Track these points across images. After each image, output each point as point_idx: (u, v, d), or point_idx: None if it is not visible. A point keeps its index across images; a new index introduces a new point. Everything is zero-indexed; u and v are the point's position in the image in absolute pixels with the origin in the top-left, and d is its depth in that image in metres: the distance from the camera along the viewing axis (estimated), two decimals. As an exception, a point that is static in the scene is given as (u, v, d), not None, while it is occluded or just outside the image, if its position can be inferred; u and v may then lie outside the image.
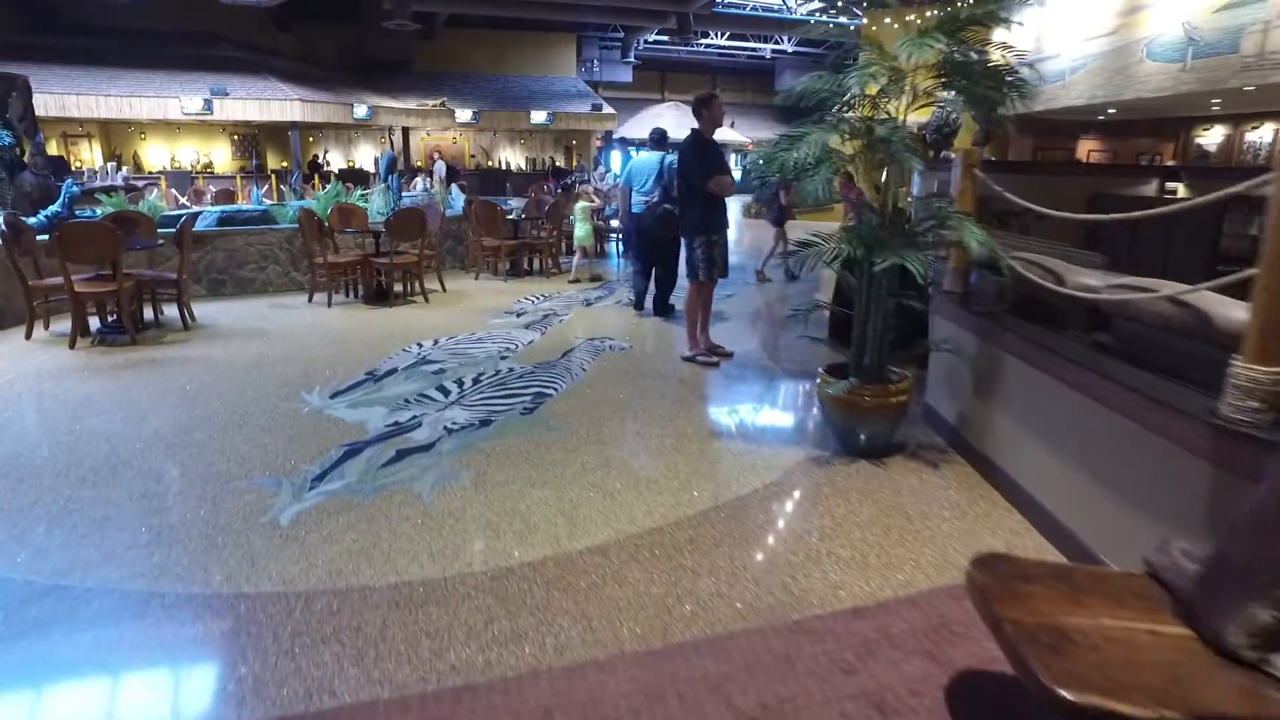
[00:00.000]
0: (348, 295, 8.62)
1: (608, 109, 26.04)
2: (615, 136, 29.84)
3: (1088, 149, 20.99)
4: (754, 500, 3.64)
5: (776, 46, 31.18)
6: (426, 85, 25.44)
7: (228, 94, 18.59)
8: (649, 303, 7.83)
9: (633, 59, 30.14)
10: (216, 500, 3.57)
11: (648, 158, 7.62)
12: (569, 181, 20.71)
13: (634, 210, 7.49)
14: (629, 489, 3.73)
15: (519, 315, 7.74)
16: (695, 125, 5.80)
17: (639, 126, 32.37)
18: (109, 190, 10.47)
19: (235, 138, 23.12)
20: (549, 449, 4.22)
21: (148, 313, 7.16)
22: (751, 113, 35.77)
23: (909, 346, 4.61)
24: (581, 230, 9.79)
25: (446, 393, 5.16)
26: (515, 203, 13.58)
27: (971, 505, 3.61)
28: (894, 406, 4.14)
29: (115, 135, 21.28)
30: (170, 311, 7.22)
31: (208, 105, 18.38)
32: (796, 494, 3.74)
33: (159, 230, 7.56)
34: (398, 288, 8.67)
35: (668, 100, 34.55)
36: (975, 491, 3.77)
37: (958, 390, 4.36)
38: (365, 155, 26.18)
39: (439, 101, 24.48)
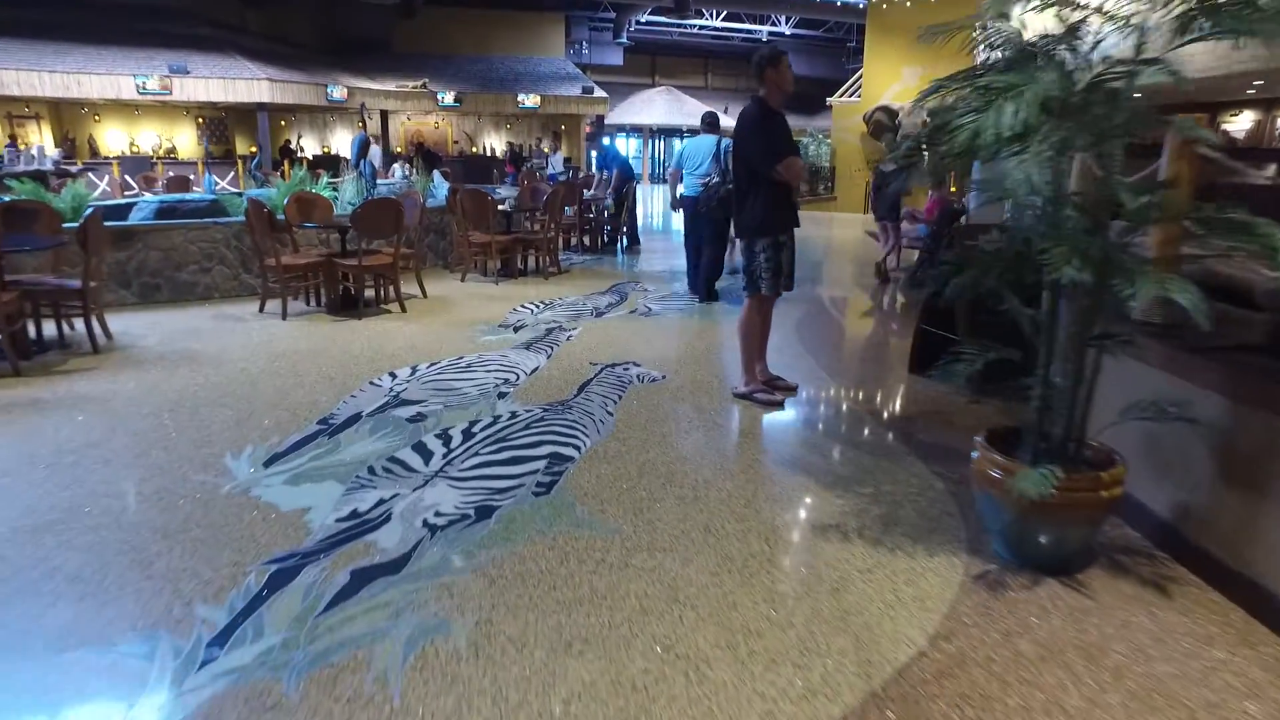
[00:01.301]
0: (308, 303, 7.11)
1: (599, 92, 24.49)
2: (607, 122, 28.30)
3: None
4: (926, 677, 2.23)
5: (773, 29, 29.69)
6: (406, 66, 23.76)
7: (188, 72, 16.87)
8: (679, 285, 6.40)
9: (625, 39, 28.54)
10: (34, 692, 2.11)
11: (701, 140, 7.53)
12: (529, 167, 19.11)
13: (686, 194, 7.47)
14: (723, 654, 2.30)
15: (516, 330, 6.28)
16: (758, 94, 4.36)
17: (629, 112, 30.90)
18: (26, 176, 8.86)
19: (200, 121, 21.36)
20: (583, 564, 2.78)
21: (49, 329, 5.65)
22: (745, 99, 34.17)
23: (997, 378, 3.13)
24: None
25: (427, 456, 3.71)
26: (506, 191, 12.08)
27: (1262, 668, 2.22)
28: (1102, 504, 2.74)
29: (68, 117, 19.49)
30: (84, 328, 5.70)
31: (166, 85, 16.65)
32: (984, 657, 2.33)
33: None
34: (369, 293, 7.18)
35: (659, 85, 33.05)
36: (1248, 637, 2.39)
37: (1176, 470, 2.97)
38: (342, 140, 24.48)
39: (420, 83, 22.82)
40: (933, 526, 3.14)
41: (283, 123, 22.89)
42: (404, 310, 6.88)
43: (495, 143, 27.50)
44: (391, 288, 6.98)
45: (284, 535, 2.94)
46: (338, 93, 19.99)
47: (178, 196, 8.28)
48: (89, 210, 5.23)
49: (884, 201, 9.28)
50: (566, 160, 26.70)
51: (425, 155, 21.53)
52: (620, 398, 4.62)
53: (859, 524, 3.15)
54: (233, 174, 17.96)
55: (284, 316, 6.53)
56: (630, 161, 14.13)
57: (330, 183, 9.05)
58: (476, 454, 3.73)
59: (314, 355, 5.45)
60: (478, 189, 8.61)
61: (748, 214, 4.34)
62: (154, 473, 3.48)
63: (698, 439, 4.02)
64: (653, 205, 22.09)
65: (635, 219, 11.75)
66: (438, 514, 3.13)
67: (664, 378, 5.02)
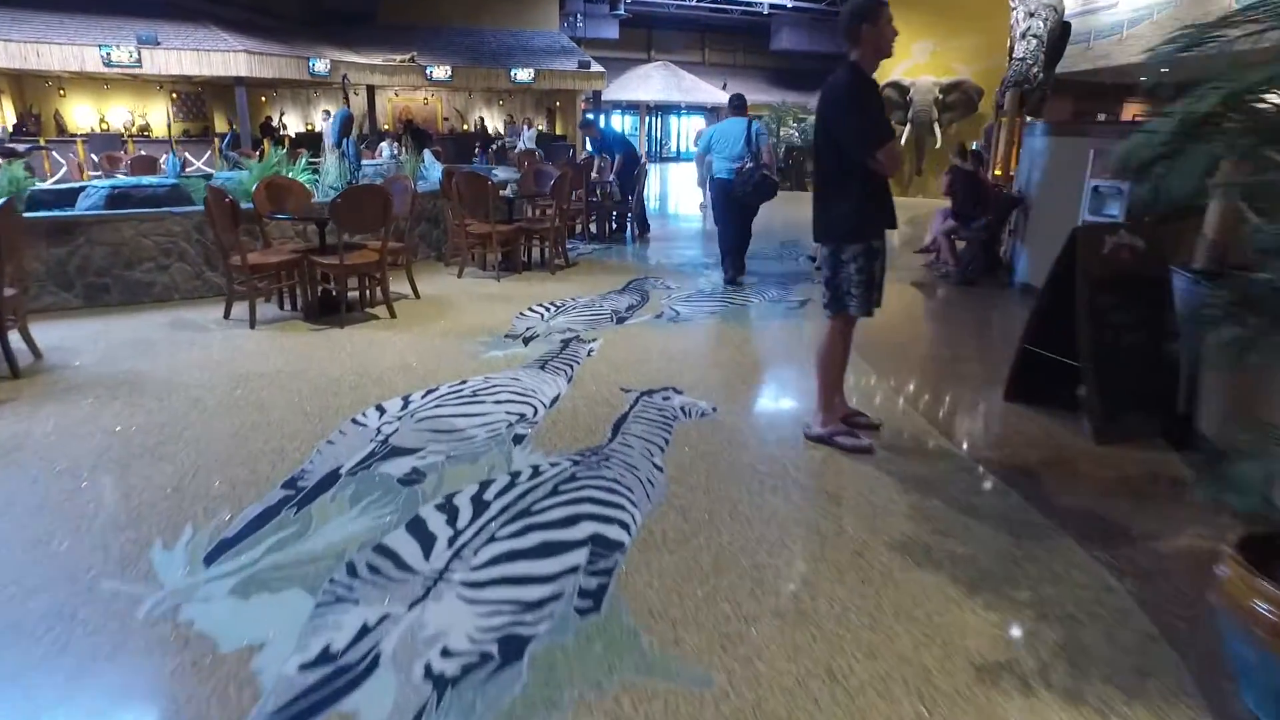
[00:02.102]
0: (282, 306, 6.10)
1: (596, 67, 23.28)
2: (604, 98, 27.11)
3: (1133, 113, 18.77)
4: None
5: (774, 1, 28.45)
6: (394, 38, 22.46)
7: (158, 43, 15.61)
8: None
9: (622, 11, 27.28)
10: None
11: (730, 123, 7.29)
12: (499, 145, 17.93)
13: (718, 176, 7.28)
14: None
15: (526, 341, 5.30)
16: (850, 58, 3.38)
17: (626, 88, 29.71)
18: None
19: (175, 96, 20.07)
20: (665, 755, 1.85)
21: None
22: (742, 74, 33.14)
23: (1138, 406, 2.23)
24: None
25: (427, 543, 2.74)
26: (504, 173, 11.03)
27: None
28: None
29: (30, 90, 18.19)
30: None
31: (135, 56, 15.39)
32: None
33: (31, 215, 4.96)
34: (353, 294, 6.18)
35: (655, 60, 31.80)
36: None
37: None
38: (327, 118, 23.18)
39: (408, 57, 21.56)
40: (1140, 665, 2.21)
41: (263, 99, 21.63)
42: (393, 315, 5.88)
43: (487, 119, 26.26)
44: (379, 288, 5.97)
45: (219, 707, 1.98)
46: (320, 66, 18.74)
47: (133, 180, 7.20)
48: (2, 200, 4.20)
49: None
50: (560, 139, 25.55)
51: (414, 133, 20.37)
52: (667, 441, 3.66)
53: (1037, 663, 2.22)
54: (209, 153, 16.77)
55: (252, 324, 5.52)
56: (632, 141, 13.16)
57: (311, 163, 7.98)
58: (493, 537, 2.78)
59: (285, 379, 4.46)
60: (475, 172, 7.58)
61: (835, 213, 3.36)
62: (49, 579, 2.51)
63: (778, 508, 3.08)
64: (651, 187, 21.01)
65: (644, 204, 10.74)
66: (445, 653, 2.18)
67: (714, 410, 4.07)
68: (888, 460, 3.53)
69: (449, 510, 2.98)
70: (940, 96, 19.41)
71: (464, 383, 4.42)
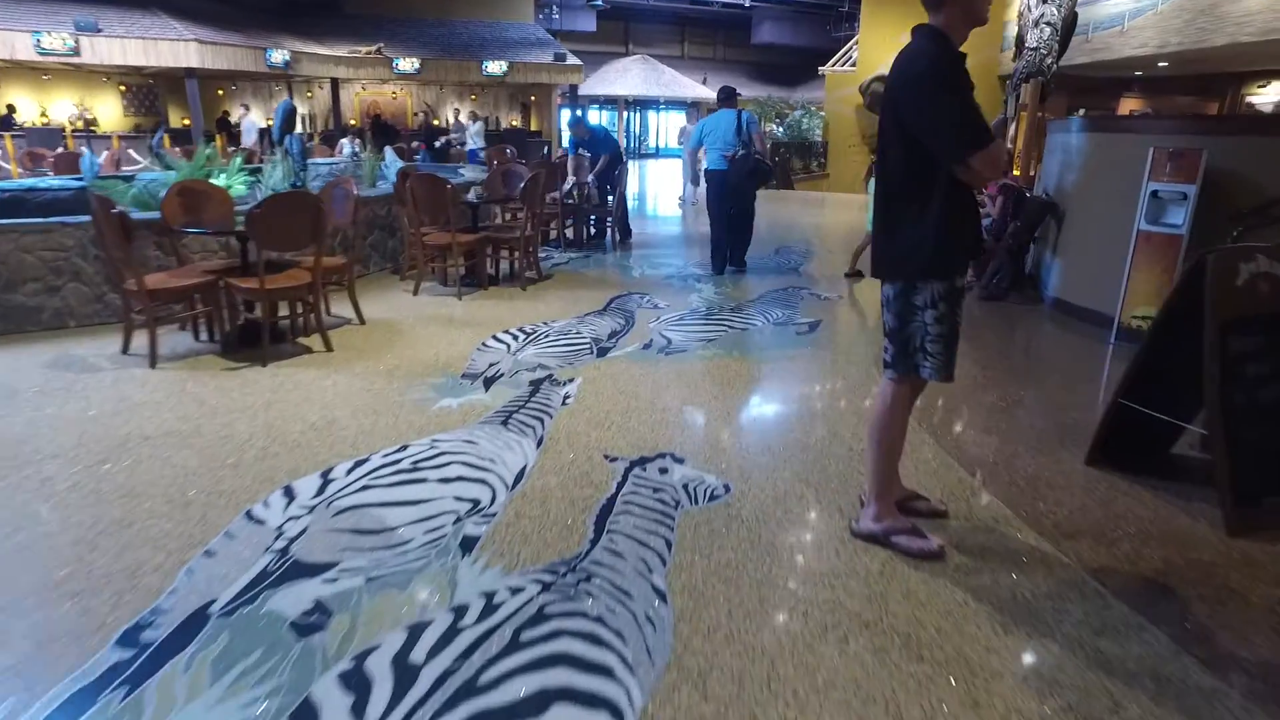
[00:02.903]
0: (198, 336, 5.06)
1: (572, 59, 22.23)
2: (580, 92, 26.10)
3: (1129, 108, 18.08)
4: None
5: (756, -7, 27.59)
6: (359, 29, 21.29)
7: (99, 30, 14.37)
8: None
9: (599, 3, 26.25)
10: None
11: (720, 115, 7.28)
12: (444, 142, 16.79)
13: (711, 168, 7.31)
14: None
15: (488, 384, 4.32)
16: (931, 24, 2.43)
17: (603, 82, 28.73)
18: None
19: (125, 89, 18.75)
20: None
21: None
22: (723, 69, 32.26)
23: None
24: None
25: (313, 767, 1.78)
26: (470, 172, 10.00)
27: None
28: None
29: (-38, 82, 16.83)
30: None
31: (72, 44, 14.13)
32: None
33: None
34: (291, 319, 5.16)
35: (633, 53, 30.81)
36: None
37: None
38: (288, 111, 21.93)
39: (374, 48, 20.39)
40: None
41: (220, 91, 20.35)
42: (329, 348, 4.86)
43: (462, 115, 25.11)
44: (313, 316, 4.95)
45: None
46: (279, 57, 17.54)
47: (28, 183, 6.11)
48: None
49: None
50: (535, 134, 24.45)
51: (382, 129, 19.21)
52: (669, 544, 2.71)
53: None
54: (176, 150, 15.51)
55: (152, 363, 4.48)
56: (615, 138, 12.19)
57: (243, 165, 6.91)
58: (418, 745, 1.81)
59: (173, 445, 3.45)
60: (433, 173, 6.56)
61: (906, 236, 2.41)
62: None
63: (836, 668, 2.13)
64: (630, 186, 20.05)
65: (626, 207, 9.75)
66: None
67: (728, 491, 3.12)
68: (968, 571, 2.59)
69: (357, 685, 2.00)
70: (931, 91, 18.59)
71: (404, 449, 3.43)
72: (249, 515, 2.84)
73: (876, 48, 19.24)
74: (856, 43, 20.16)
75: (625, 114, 30.81)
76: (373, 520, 2.82)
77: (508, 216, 8.84)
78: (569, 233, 9.14)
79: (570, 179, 9.14)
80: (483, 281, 6.73)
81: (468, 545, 2.68)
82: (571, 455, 3.40)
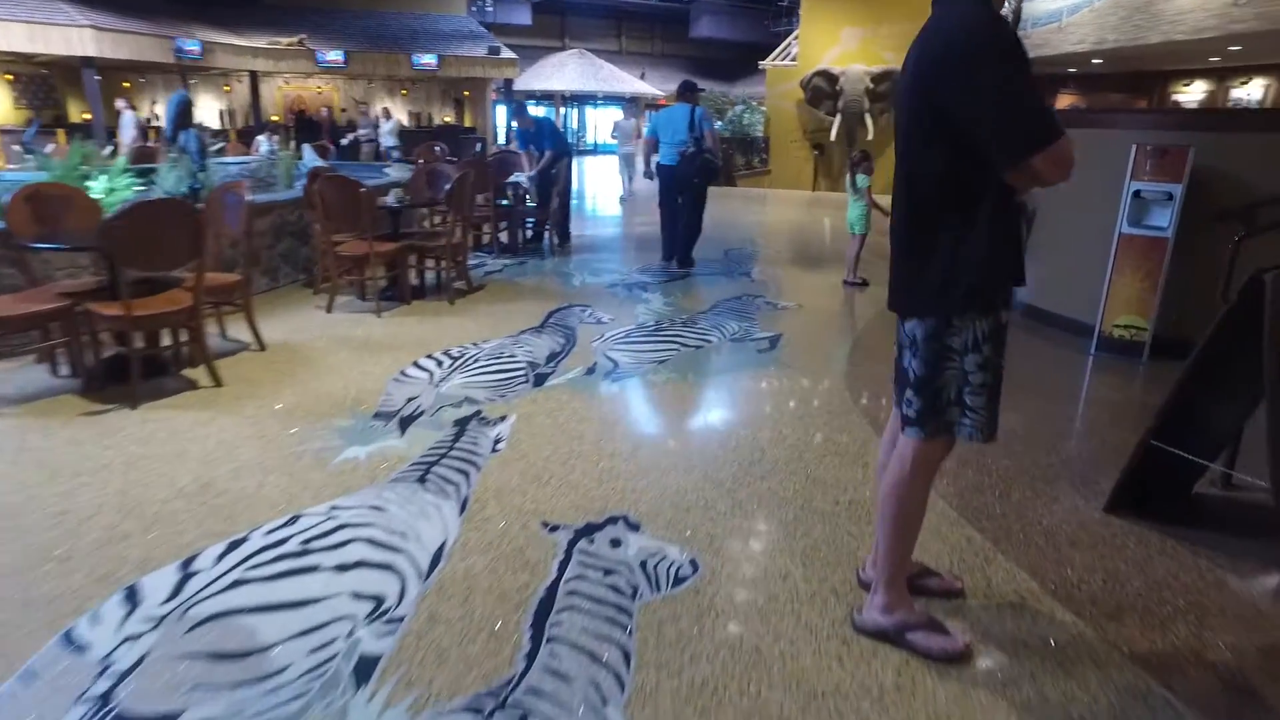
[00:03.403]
0: (55, 372, 4.24)
1: (507, 53, 21.39)
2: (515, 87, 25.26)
3: (1065, 103, 18.17)
4: None
5: (694, -13, 27.13)
6: (281, 19, 20.05)
7: (-22, 15, 13.00)
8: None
9: (534, -6, 25.42)
10: None
11: (674, 110, 7.13)
12: (353, 139, 15.92)
13: (663, 162, 7.23)
14: None
15: (403, 424, 3.63)
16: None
17: (539, 76, 27.94)
18: None
19: (12, 77, 17.20)
20: None
21: None
22: (661, 63, 31.76)
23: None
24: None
25: None
26: (396, 172, 9.18)
27: None
28: None
29: None
30: None
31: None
32: None
33: None
34: (167, 348, 4.37)
35: (570, 48, 30.04)
36: None
37: None
38: (204, 108, 20.65)
39: (296, 39, 19.22)
40: None
41: (127, 84, 18.90)
42: (217, 383, 4.10)
43: (393, 110, 23.98)
44: (196, 346, 4.18)
45: None
46: (191, 47, 16.30)
47: None
48: None
49: None
50: (470, 131, 23.50)
51: (306, 127, 18.12)
52: (628, 655, 2.10)
53: None
54: (53, 146, 14.18)
55: (-10, 408, 3.67)
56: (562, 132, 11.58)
57: (126, 166, 6.01)
58: None
59: (-10, 527, 2.69)
60: (343, 177, 5.79)
61: (942, 260, 1.83)
62: None
63: None
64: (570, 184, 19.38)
65: (568, 209, 9.07)
66: None
67: (696, 569, 2.52)
68: (1004, 679, 2.05)
69: None
70: (871, 86, 18.36)
71: (294, 521, 2.74)
72: (68, 637, 2.12)
73: (816, 42, 18.94)
74: (796, 37, 19.82)
75: (563, 110, 30.03)
76: (239, 636, 2.14)
77: (436, 221, 8.10)
78: (503, 237, 8.43)
79: (522, 176, 8.47)
80: (405, 295, 6.00)
81: (364, 671, 2.03)
82: (502, 523, 2.77)
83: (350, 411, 3.77)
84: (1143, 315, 4.83)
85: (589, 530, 2.71)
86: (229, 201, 4.69)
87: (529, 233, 8.83)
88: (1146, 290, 4.78)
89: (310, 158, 9.27)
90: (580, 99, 28.92)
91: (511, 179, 8.28)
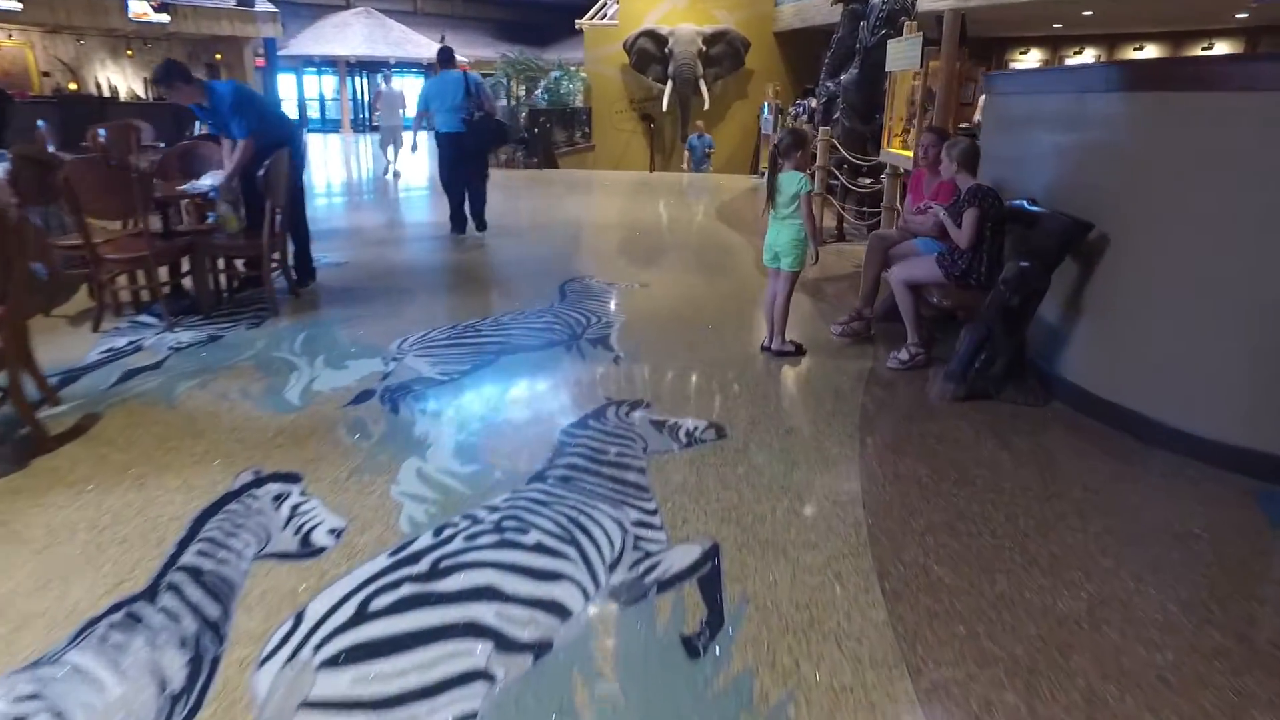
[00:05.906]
0: None
1: (266, 5, 16.81)
2: (282, 52, 20.54)
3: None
4: None
5: (494, -63, 23.38)
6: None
7: None
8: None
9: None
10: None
11: (445, 77, 6.87)
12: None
13: (442, 130, 6.95)
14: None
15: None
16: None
17: (320, 39, 23.23)
18: None
19: None
20: None
21: None
22: (464, 26, 27.76)
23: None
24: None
25: None
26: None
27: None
28: None
29: None
30: None
31: None
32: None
33: None
34: None
35: (355, 6, 25.40)
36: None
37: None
38: None
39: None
40: None
41: None
42: None
43: (116, 79, 18.57)
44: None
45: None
46: None
47: None
48: None
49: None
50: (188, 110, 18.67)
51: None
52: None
53: None
54: None
55: None
56: (285, 112, 8.36)
57: None
58: None
59: None
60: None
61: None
62: None
63: None
64: (326, 170, 15.56)
65: (304, 228, 5.48)
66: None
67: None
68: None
69: None
70: (704, 48, 15.79)
71: None
72: None
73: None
74: (616, -7, 16.86)
75: (349, 79, 25.34)
76: None
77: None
78: (187, 283, 4.85)
79: (210, 179, 4.84)
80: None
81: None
82: None
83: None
84: None
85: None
86: None
87: (237, 280, 5.24)
88: None
89: None
90: (369, 66, 24.40)
91: (191, 185, 4.72)
